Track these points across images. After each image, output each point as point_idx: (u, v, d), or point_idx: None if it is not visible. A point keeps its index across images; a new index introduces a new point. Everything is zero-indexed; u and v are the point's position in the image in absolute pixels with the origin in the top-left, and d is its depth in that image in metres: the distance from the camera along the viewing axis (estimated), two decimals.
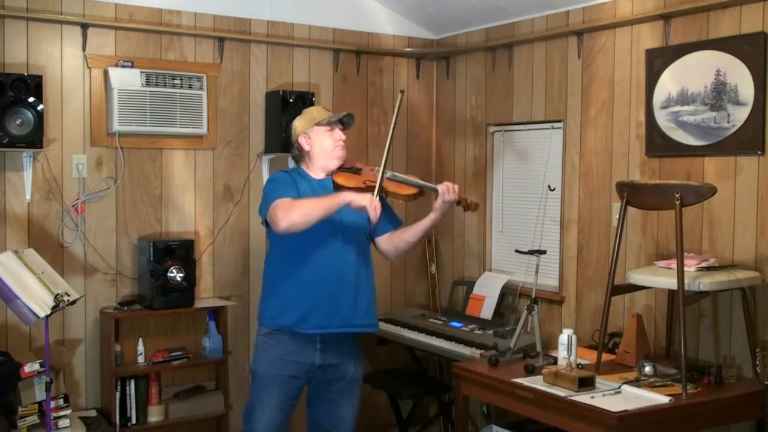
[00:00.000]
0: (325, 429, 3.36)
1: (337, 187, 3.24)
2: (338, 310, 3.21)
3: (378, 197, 3.12)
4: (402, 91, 3.49)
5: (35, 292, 3.44)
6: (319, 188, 3.27)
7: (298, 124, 3.41)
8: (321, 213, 3.07)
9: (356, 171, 3.35)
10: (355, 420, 3.39)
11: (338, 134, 3.34)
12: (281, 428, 3.30)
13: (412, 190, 3.26)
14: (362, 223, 3.24)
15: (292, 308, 3.23)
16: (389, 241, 3.35)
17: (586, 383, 3.22)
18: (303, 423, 3.54)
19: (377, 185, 3.17)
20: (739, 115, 3.54)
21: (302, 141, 3.35)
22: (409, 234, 3.31)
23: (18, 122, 3.85)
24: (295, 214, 3.07)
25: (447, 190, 3.15)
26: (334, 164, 3.32)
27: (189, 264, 4.25)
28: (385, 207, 3.34)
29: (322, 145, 3.31)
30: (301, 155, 3.39)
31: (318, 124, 3.32)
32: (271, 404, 3.24)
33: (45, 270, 3.62)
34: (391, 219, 3.39)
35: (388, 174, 3.26)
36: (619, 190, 3.53)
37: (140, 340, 4.29)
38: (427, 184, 3.28)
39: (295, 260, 3.23)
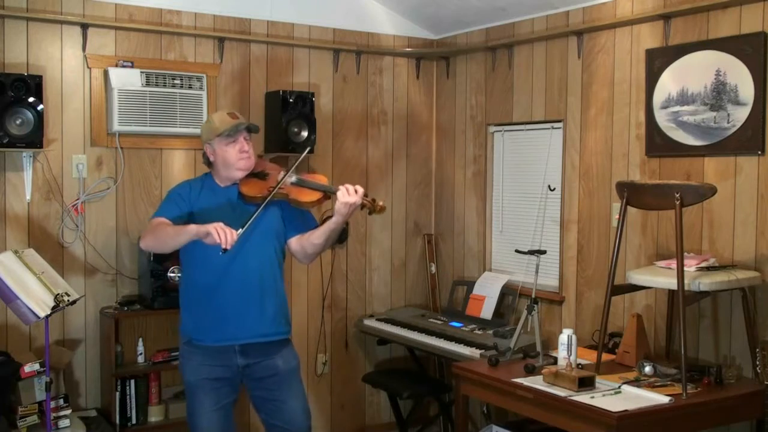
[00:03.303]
0: (280, 427, 3.25)
1: (241, 196, 3.16)
2: (244, 321, 3.14)
3: (249, 225, 2.99)
4: (308, 149, 3.54)
5: (35, 292, 3.44)
6: (224, 197, 3.19)
7: (202, 131, 3.32)
8: (171, 242, 3.06)
9: (263, 176, 3.23)
10: (307, 411, 3.28)
11: (241, 145, 3.18)
12: (226, 425, 3.22)
13: (315, 196, 3.14)
14: (272, 229, 3.18)
15: (198, 322, 3.20)
16: (298, 243, 3.26)
17: (586, 383, 3.23)
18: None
19: (272, 193, 3.07)
20: (739, 115, 3.54)
21: (207, 150, 3.26)
22: (315, 236, 3.21)
23: (18, 122, 3.85)
24: (150, 238, 3.10)
25: (346, 193, 3.04)
26: (238, 175, 3.20)
27: None
28: (295, 209, 3.24)
29: (225, 158, 3.18)
30: (208, 162, 3.29)
31: (219, 135, 3.17)
32: (206, 407, 3.18)
33: (45, 270, 3.62)
34: (302, 221, 3.28)
35: (293, 179, 3.15)
36: (619, 190, 3.53)
37: (140, 340, 4.29)
38: (330, 187, 3.13)
39: (199, 271, 3.19)
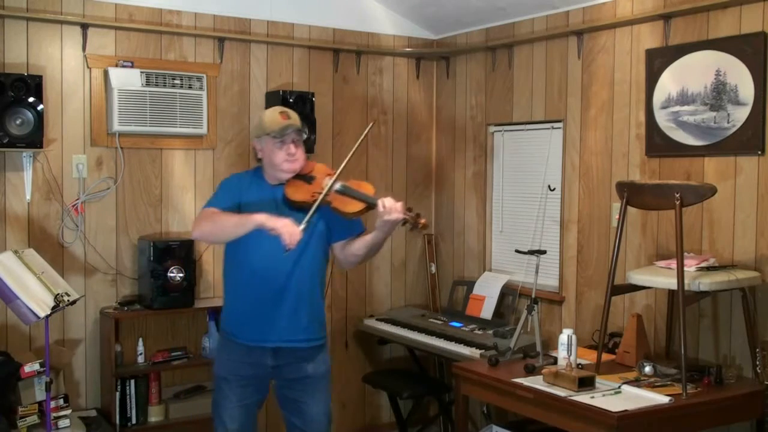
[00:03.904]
0: (299, 428, 3.27)
1: (285, 198, 3.12)
2: (275, 325, 3.13)
3: (307, 224, 2.96)
4: (372, 123, 3.48)
5: (35, 292, 3.44)
6: (271, 196, 3.16)
7: (253, 127, 3.26)
8: (231, 231, 2.99)
9: (309, 179, 3.17)
10: (329, 416, 3.29)
11: (289, 148, 3.13)
12: (246, 423, 3.24)
13: (358, 207, 3.03)
14: (315, 233, 3.14)
15: (234, 318, 3.21)
16: (342, 250, 3.23)
17: (586, 383, 3.23)
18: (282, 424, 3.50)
19: (317, 201, 3.01)
20: (739, 115, 3.54)
21: (255, 146, 3.24)
22: (356, 247, 3.17)
23: (18, 122, 3.85)
24: (206, 225, 3.04)
25: (386, 210, 2.94)
26: (283, 176, 3.17)
27: (189, 264, 4.25)
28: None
29: (271, 158, 3.14)
30: (257, 158, 3.27)
31: (267, 134, 3.14)
32: (231, 401, 3.20)
33: (45, 270, 3.62)
34: (348, 226, 3.22)
35: (338, 186, 3.08)
36: (619, 190, 3.53)
37: (140, 340, 4.29)
38: (373, 198, 3.02)
39: (239, 271, 3.18)
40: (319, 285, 3.25)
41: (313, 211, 3.00)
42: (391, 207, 2.95)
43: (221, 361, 3.27)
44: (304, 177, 3.18)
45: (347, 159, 3.13)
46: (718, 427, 3.47)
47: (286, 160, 3.13)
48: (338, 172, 3.10)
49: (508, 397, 3.47)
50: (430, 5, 4.87)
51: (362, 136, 3.18)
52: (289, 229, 2.86)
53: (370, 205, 3.03)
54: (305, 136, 3.26)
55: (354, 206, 3.05)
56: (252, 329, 3.15)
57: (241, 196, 3.16)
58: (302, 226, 2.90)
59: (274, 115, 3.18)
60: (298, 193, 3.11)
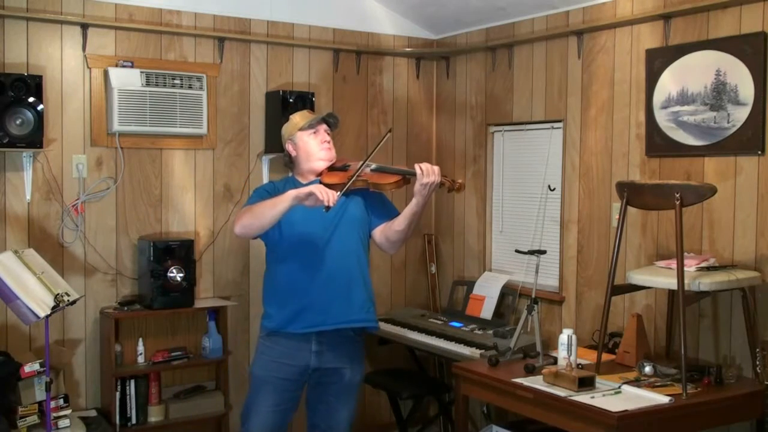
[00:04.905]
0: (321, 430, 3.36)
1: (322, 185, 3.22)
2: (330, 308, 3.19)
3: (346, 191, 3.08)
4: (390, 130, 3.65)
5: (35, 292, 3.44)
6: None
7: (284, 131, 3.42)
8: (270, 212, 3.04)
9: (344, 168, 3.32)
10: (351, 423, 3.38)
11: (322, 136, 3.33)
12: (276, 430, 3.29)
13: (395, 178, 3.21)
14: (356, 218, 3.26)
15: (284, 309, 3.25)
16: (382, 233, 3.31)
17: (586, 383, 3.23)
18: (304, 423, 3.54)
19: (353, 175, 3.13)
20: (739, 115, 3.54)
21: (289, 148, 3.37)
22: (397, 223, 3.25)
23: (18, 122, 3.85)
24: (246, 218, 3.11)
25: (424, 173, 3.07)
26: (321, 166, 3.31)
27: (189, 264, 4.26)
28: (377, 199, 3.32)
29: (307, 149, 3.31)
30: (290, 162, 3.41)
31: (301, 129, 3.32)
32: (265, 405, 3.25)
33: (45, 270, 3.62)
34: (383, 210, 3.34)
35: (373, 166, 3.24)
36: (619, 190, 3.53)
37: (140, 340, 4.29)
38: (409, 170, 3.18)
39: (285, 262, 3.25)
40: (366, 267, 3.33)
41: (351, 180, 3.11)
42: (428, 170, 3.08)
43: (262, 363, 3.31)
44: (339, 168, 3.32)
45: (377, 145, 3.26)
46: (718, 427, 3.47)
47: (322, 147, 3.31)
48: (371, 152, 3.23)
49: (508, 397, 3.47)
50: (430, 5, 4.87)
51: (379, 144, 3.30)
52: (321, 189, 2.96)
53: (407, 177, 3.19)
54: (338, 124, 3.43)
55: (391, 178, 3.22)
56: (304, 316, 3.20)
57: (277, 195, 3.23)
58: (338, 194, 2.99)
59: (303, 113, 3.44)
60: (335, 178, 3.23)
